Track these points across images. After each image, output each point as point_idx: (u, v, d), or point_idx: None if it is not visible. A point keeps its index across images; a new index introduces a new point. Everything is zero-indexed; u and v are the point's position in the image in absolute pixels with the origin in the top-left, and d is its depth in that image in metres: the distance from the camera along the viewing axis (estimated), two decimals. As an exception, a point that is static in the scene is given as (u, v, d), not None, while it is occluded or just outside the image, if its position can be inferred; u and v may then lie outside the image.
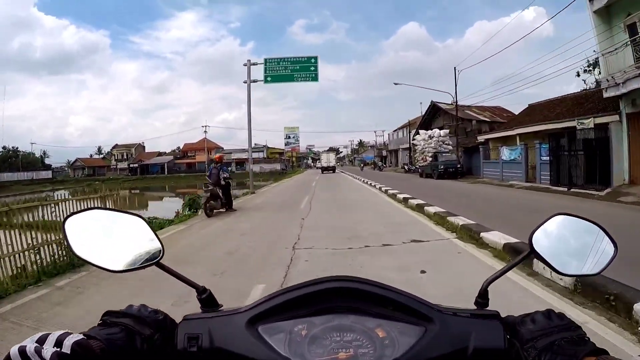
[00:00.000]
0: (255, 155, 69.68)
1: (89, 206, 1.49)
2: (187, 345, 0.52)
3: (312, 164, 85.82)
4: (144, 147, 75.83)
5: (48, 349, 0.40)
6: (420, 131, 29.75)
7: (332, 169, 42.93)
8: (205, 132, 61.94)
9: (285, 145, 72.04)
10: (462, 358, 0.51)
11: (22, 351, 0.40)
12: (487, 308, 0.58)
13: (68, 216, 0.60)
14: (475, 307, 0.58)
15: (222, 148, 68.33)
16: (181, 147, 73.05)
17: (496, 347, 0.51)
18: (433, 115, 33.88)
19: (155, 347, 0.50)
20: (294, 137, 72.36)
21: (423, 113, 37.80)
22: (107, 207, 1.34)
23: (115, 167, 69.92)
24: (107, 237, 0.59)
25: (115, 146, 75.92)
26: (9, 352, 0.40)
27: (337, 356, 0.50)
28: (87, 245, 0.58)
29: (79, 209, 0.62)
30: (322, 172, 40.71)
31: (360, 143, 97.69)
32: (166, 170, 63.36)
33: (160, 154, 71.19)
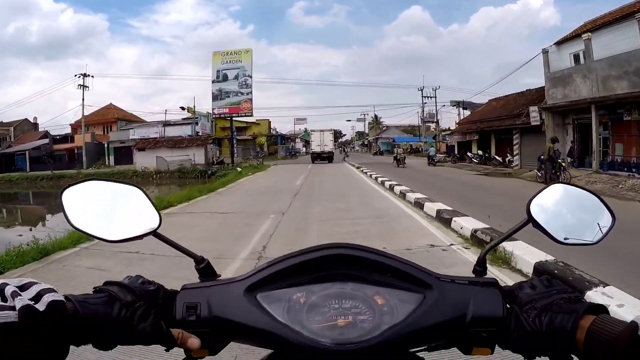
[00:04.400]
0: (176, 132, 31.19)
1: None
2: (185, 315, 0.52)
3: (301, 150, 56.78)
4: (35, 124, 48.06)
5: (23, 299, 0.39)
6: None
7: (328, 157, 28.54)
8: (83, 85, 31.39)
9: (214, 100, 28.59)
10: (461, 325, 0.52)
11: (2, 289, 0.39)
12: (485, 276, 0.58)
13: (65, 187, 0.57)
14: (474, 275, 0.58)
15: (131, 121, 39.51)
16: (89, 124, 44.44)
17: (494, 315, 0.52)
18: None
19: (137, 314, 0.50)
20: (240, 79, 28.08)
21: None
22: (105, 177, 0.63)
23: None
24: (104, 208, 0.58)
25: (-2, 124, 48.42)
26: None
27: (336, 323, 0.51)
28: (84, 216, 0.57)
29: (75, 181, 0.59)
30: (314, 162, 27.57)
31: (376, 120, 68.26)
32: (27, 163, 34.95)
33: (46, 134, 43.10)
